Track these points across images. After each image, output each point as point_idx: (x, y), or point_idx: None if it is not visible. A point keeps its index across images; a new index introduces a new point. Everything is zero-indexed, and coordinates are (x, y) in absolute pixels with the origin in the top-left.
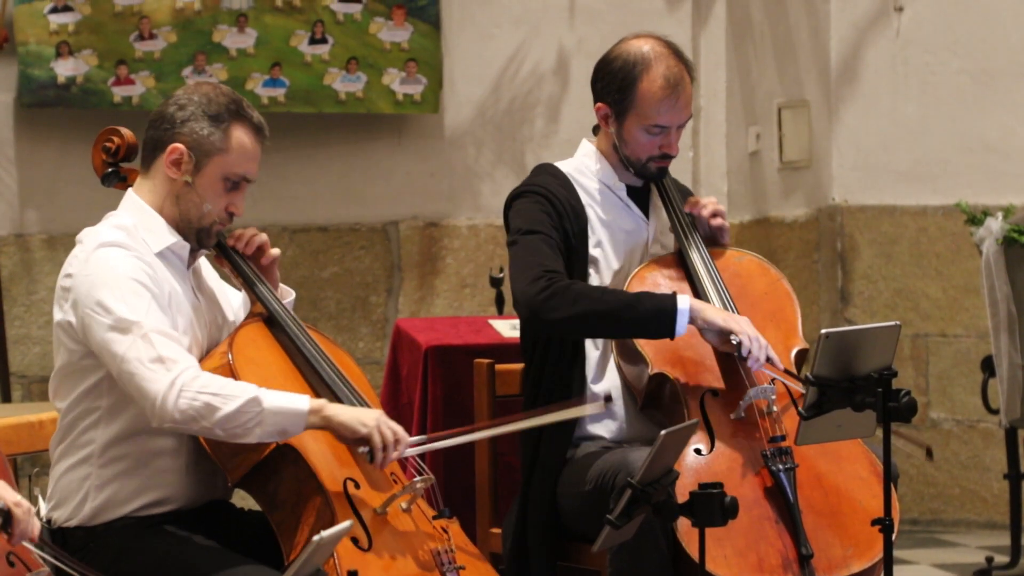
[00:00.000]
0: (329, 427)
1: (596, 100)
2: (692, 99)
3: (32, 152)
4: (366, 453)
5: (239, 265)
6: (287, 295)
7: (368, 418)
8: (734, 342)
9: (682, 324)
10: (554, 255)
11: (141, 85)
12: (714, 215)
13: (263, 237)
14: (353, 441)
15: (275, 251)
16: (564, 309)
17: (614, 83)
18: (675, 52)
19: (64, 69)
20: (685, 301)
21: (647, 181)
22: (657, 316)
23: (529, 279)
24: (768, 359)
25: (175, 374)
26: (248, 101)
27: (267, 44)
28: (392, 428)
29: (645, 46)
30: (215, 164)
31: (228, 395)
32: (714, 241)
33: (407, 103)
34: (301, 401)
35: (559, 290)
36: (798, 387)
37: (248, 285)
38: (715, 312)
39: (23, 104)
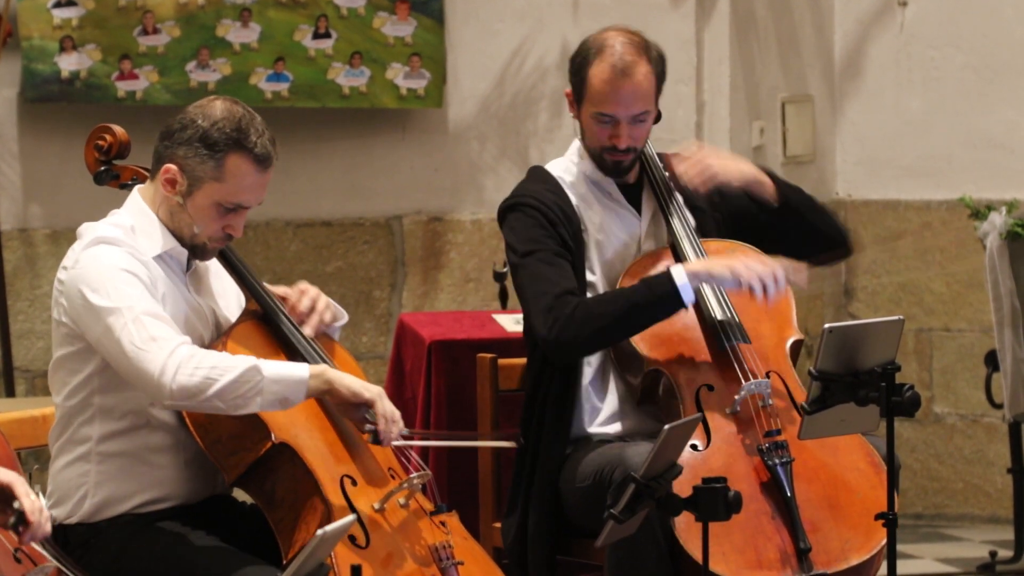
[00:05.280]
0: (332, 390)
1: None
2: (645, 96)
3: (36, 147)
4: (371, 432)
5: (232, 262)
6: (340, 317)
7: (371, 386)
8: (745, 287)
9: (688, 296)
10: (556, 271)
11: (145, 80)
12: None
13: (313, 313)
14: (355, 410)
15: (326, 319)
16: (578, 337)
17: (574, 67)
18: (637, 45)
19: (68, 64)
20: (681, 275)
21: (612, 177)
22: (661, 302)
23: (540, 319)
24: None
25: (170, 350)
26: (261, 125)
27: (271, 39)
28: (391, 407)
29: (609, 35)
30: (207, 191)
31: (226, 367)
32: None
33: (411, 98)
34: (301, 368)
35: (565, 322)
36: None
37: (242, 281)
38: (717, 268)
39: (27, 99)
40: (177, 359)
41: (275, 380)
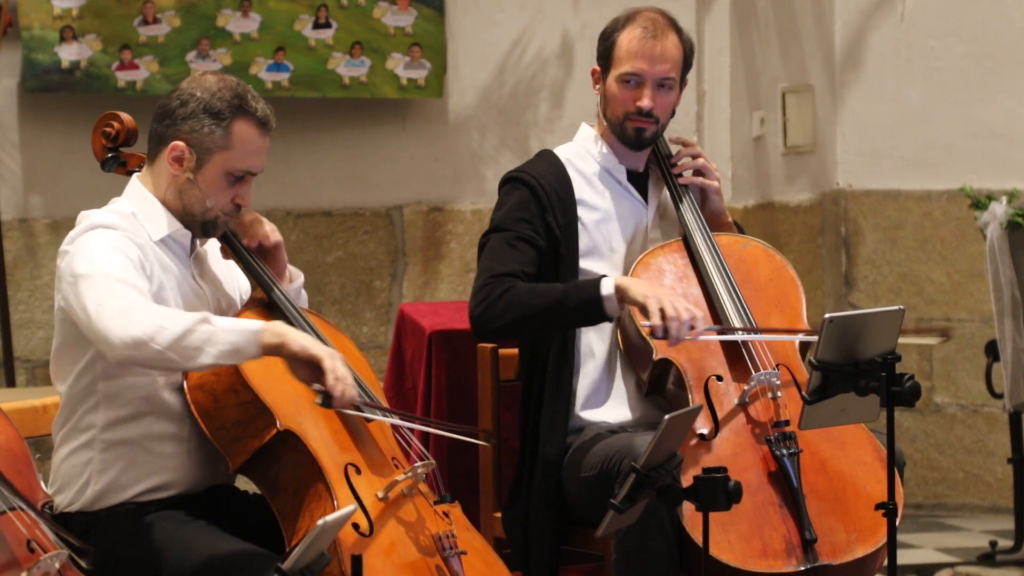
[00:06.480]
0: (284, 344)
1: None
2: (673, 62)
3: (36, 137)
4: (320, 392)
5: (239, 250)
6: (296, 277)
7: (325, 346)
8: (646, 326)
9: (611, 308)
10: (513, 253)
11: (145, 70)
12: (698, 172)
13: (265, 229)
14: (307, 370)
15: (276, 237)
16: (498, 319)
17: (602, 38)
18: (670, 19)
19: (68, 54)
20: (609, 286)
21: (632, 149)
22: (585, 307)
23: (474, 291)
24: (694, 328)
25: (125, 303)
26: (254, 91)
27: (271, 29)
28: (344, 368)
29: (641, 9)
30: (217, 161)
31: (179, 318)
32: (708, 210)
33: (411, 88)
34: (255, 321)
35: (491, 302)
36: (731, 337)
37: (248, 270)
38: (635, 291)
39: (27, 89)
40: (131, 310)
41: (226, 330)
